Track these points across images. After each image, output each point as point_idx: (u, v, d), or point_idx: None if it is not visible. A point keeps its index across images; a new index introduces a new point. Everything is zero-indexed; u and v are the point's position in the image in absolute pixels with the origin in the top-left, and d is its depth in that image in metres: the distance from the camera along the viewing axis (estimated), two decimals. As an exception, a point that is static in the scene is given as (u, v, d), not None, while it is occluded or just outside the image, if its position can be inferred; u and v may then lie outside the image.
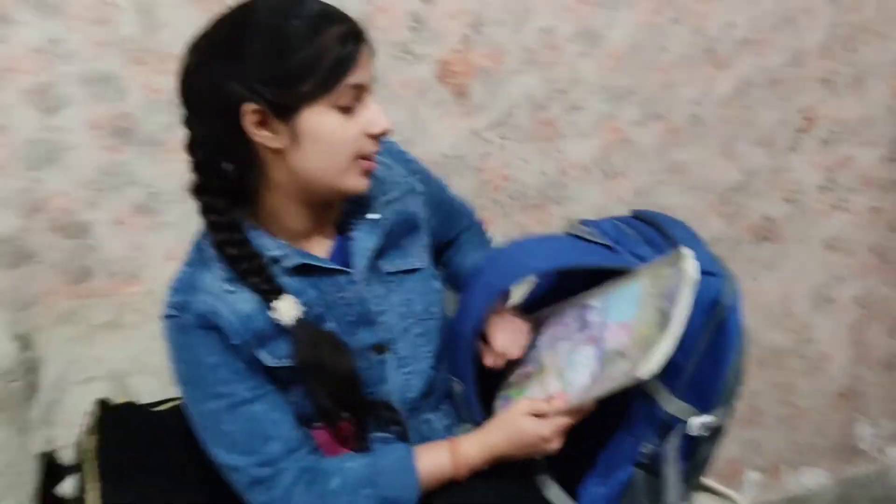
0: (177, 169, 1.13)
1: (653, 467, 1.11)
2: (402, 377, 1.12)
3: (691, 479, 1.19)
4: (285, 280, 1.04)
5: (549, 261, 1.12)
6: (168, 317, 1.04)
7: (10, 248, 1.39)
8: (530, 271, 1.11)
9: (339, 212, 1.11)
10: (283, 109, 0.96)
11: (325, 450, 1.09)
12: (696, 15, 1.72)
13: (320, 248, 1.09)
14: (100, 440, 1.25)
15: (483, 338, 1.16)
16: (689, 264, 1.01)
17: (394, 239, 1.13)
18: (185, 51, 0.98)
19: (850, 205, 2.03)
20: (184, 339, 1.03)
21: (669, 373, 1.09)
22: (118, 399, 1.33)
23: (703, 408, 1.09)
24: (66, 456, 1.32)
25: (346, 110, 0.98)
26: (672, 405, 1.08)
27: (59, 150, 1.37)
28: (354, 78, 0.97)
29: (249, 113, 0.96)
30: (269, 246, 1.04)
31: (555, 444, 1.06)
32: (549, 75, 1.64)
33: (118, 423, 1.28)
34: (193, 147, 1.01)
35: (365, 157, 1.03)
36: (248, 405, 1.03)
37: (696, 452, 1.12)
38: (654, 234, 1.18)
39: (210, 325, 1.01)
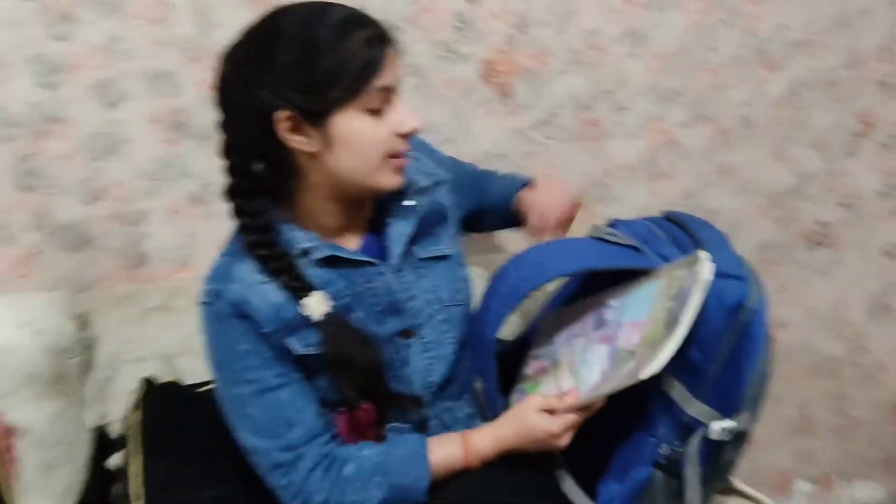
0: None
1: (672, 468, 1.12)
2: (425, 361, 1.16)
3: (712, 483, 1.19)
4: (315, 271, 1.09)
5: (571, 264, 1.14)
6: (203, 304, 1.11)
7: (73, 234, 1.48)
8: (552, 275, 1.13)
9: (372, 206, 1.16)
10: (314, 115, 1.00)
11: (345, 437, 1.13)
12: (746, 16, 1.70)
13: (352, 242, 1.14)
14: (143, 416, 1.33)
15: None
16: (704, 267, 1.01)
17: (426, 226, 1.17)
18: (220, 58, 1.04)
19: (911, 211, 1.98)
20: (217, 325, 1.09)
21: (691, 375, 1.09)
22: (166, 379, 1.41)
23: (726, 412, 1.09)
24: (117, 431, 1.41)
25: (376, 112, 1.03)
26: (693, 408, 1.09)
27: (119, 142, 1.45)
28: (381, 80, 1.01)
29: (282, 120, 1.01)
30: (301, 239, 1.09)
31: (563, 441, 1.08)
32: (594, 76, 1.65)
33: (161, 401, 1.35)
34: (228, 151, 1.07)
35: (396, 156, 1.07)
36: (274, 392, 1.09)
37: (717, 456, 1.12)
38: (681, 235, 1.18)
39: (242, 314, 1.07)
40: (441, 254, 1.18)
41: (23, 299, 1.42)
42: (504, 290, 1.13)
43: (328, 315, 1.07)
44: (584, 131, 1.68)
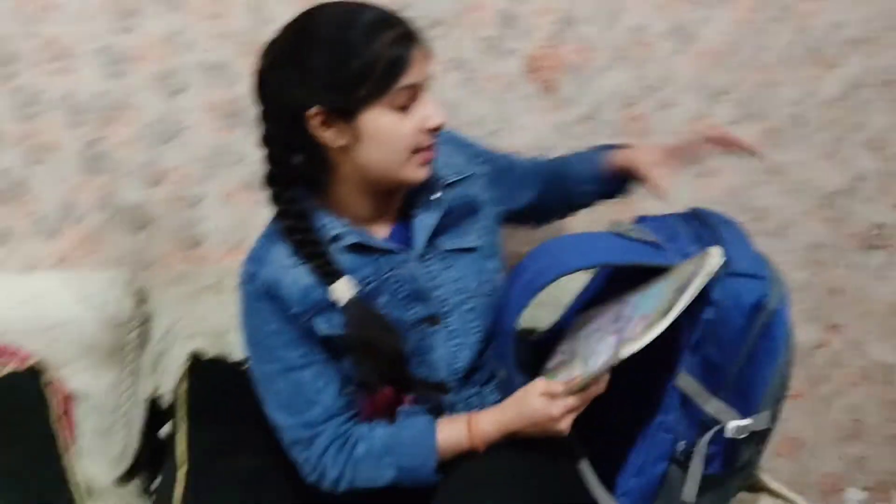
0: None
1: (689, 464, 1.12)
2: (450, 348, 1.20)
3: (732, 482, 1.20)
4: (344, 257, 1.14)
5: (587, 258, 1.15)
6: (240, 284, 1.18)
7: (135, 215, 1.57)
8: (567, 268, 1.14)
9: (401, 198, 1.21)
10: (344, 112, 1.06)
11: (366, 417, 1.19)
12: (799, 14, 1.69)
13: (382, 230, 1.19)
14: (190, 388, 1.41)
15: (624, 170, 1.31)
16: (712, 260, 1.02)
17: (453, 219, 1.21)
18: (260, 54, 1.10)
19: (973, 216, 1.92)
20: (251, 305, 1.17)
21: (710, 374, 1.10)
22: (214, 354, 1.49)
23: (745, 411, 1.10)
24: (169, 401, 1.48)
25: (403, 109, 1.07)
26: (712, 406, 1.10)
27: (178, 129, 1.54)
28: (408, 79, 1.06)
29: (313, 116, 1.07)
30: (332, 225, 1.15)
31: (563, 425, 1.09)
32: (639, 72, 1.66)
33: (208, 375, 1.43)
34: (267, 141, 1.13)
35: (422, 150, 1.11)
36: (297, 371, 1.15)
37: (736, 455, 1.13)
38: (705, 232, 1.19)
39: (273, 295, 1.13)
40: (466, 246, 1.22)
41: (86, 275, 1.53)
42: (522, 281, 1.16)
43: (353, 299, 1.12)
44: (627, 127, 1.69)
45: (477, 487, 1.08)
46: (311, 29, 1.07)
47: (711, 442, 1.11)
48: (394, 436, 1.15)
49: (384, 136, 1.08)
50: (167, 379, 1.49)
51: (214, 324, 1.50)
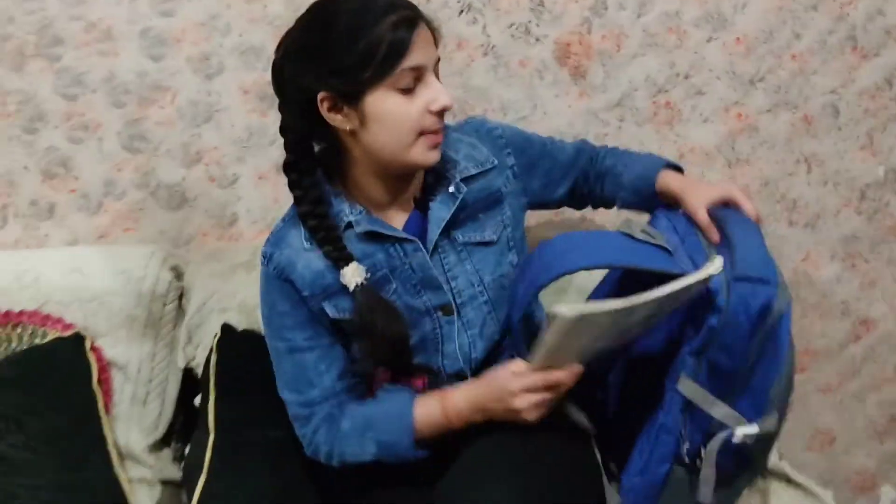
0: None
1: (693, 466, 1.13)
2: (466, 339, 1.22)
3: (739, 483, 1.21)
4: (357, 244, 1.18)
5: (590, 258, 1.14)
6: (261, 264, 1.22)
7: (173, 194, 1.63)
8: (570, 267, 1.13)
9: (419, 186, 1.22)
10: (350, 96, 1.09)
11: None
12: (836, 2, 1.66)
13: (397, 218, 1.22)
14: (219, 359, 1.46)
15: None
16: (708, 270, 1.03)
17: (471, 212, 1.23)
18: (277, 45, 1.14)
19: None
20: (266, 284, 1.22)
21: (716, 378, 1.10)
22: (245, 327, 1.54)
23: (752, 415, 1.10)
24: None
25: (407, 91, 1.09)
26: (718, 410, 1.10)
27: (214, 111, 1.59)
28: (410, 61, 1.07)
29: (323, 101, 1.10)
30: (348, 211, 1.18)
31: (519, 402, 1.08)
32: (671, 59, 1.66)
33: (237, 347, 1.48)
34: (285, 129, 1.17)
35: (429, 132, 1.12)
36: (302, 352, 1.21)
37: (743, 457, 1.13)
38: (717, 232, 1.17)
39: (286, 278, 1.18)
40: (483, 240, 1.23)
41: (126, 250, 1.59)
42: (528, 276, 1.16)
43: (362, 285, 1.15)
44: (658, 114, 1.69)
45: (479, 473, 1.09)
46: (321, 16, 1.10)
47: (721, 449, 1.10)
48: (374, 412, 1.20)
49: (389, 119, 1.10)
50: (201, 351, 1.55)
51: (246, 299, 1.55)
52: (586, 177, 1.35)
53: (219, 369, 1.45)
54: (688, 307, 1.12)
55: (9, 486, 1.28)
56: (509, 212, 1.26)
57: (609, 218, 1.60)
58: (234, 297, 1.56)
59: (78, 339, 1.47)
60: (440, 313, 1.21)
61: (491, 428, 1.15)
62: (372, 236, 1.18)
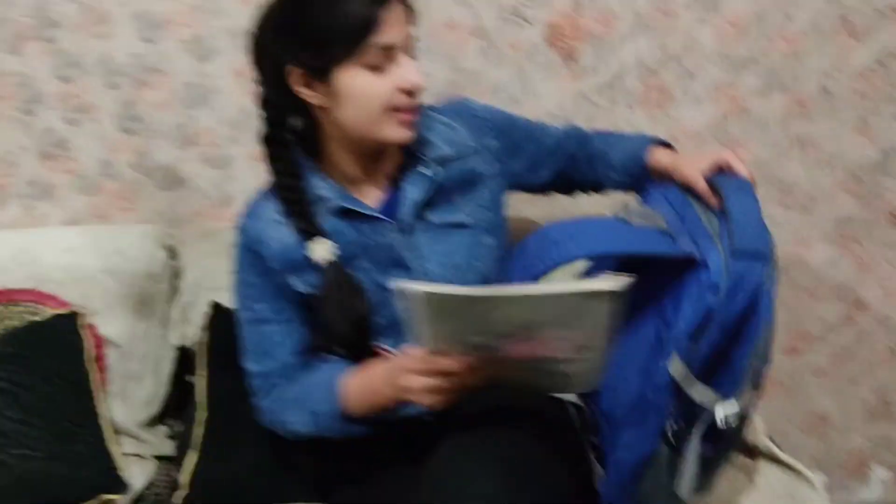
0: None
1: (677, 446, 1.13)
2: None
3: (718, 460, 1.19)
4: (330, 220, 1.19)
5: (590, 247, 1.13)
6: (235, 234, 1.25)
7: (168, 174, 1.66)
8: (566, 256, 1.11)
9: (394, 165, 1.22)
10: (320, 71, 1.10)
11: None
12: (829, -17, 1.67)
13: (372, 196, 1.22)
14: (210, 336, 1.48)
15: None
16: (596, 284, 0.94)
17: (446, 194, 1.23)
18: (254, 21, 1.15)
19: None
20: (237, 254, 1.24)
21: (707, 358, 1.08)
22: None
23: (728, 392, 1.09)
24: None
25: (377, 68, 1.10)
26: (698, 392, 1.09)
27: (208, 93, 1.61)
28: (380, 38, 1.08)
29: (294, 75, 1.11)
30: (321, 187, 1.19)
31: (404, 381, 1.06)
32: (662, 41, 1.66)
33: (227, 324, 1.50)
34: (263, 103, 1.18)
35: (401, 110, 1.13)
36: (263, 324, 1.23)
37: (724, 436, 1.12)
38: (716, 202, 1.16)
39: (256, 249, 1.20)
40: (456, 222, 1.23)
41: (122, 229, 1.62)
42: (522, 264, 1.15)
43: (330, 260, 1.17)
44: (650, 96, 1.70)
45: (463, 464, 1.08)
46: None
47: (704, 431, 1.10)
48: (310, 381, 1.21)
49: (358, 96, 1.11)
50: (195, 329, 1.58)
51: (239, 278, 1.58)
52: (575, 161, 1.35)
53: (210, 347, 1.47)
54: (684, 282, 1.10)
55: (1, 455, 1.32)
56: (488, 194, 1.26)
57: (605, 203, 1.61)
58: (228, 277, 1.57)
59: (72, 316, 1.50)
60: None
61: (476, 418, 1.15)
62: (344, 213, 1.19)
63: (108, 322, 1.56)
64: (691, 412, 1.11)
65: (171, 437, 1.60)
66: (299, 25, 1.09)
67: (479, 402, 1.11)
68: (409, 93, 1.12)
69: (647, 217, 1.16)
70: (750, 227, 1.09)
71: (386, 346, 1.22)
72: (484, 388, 1.06)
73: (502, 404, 1.18)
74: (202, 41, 1.58)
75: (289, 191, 1.18)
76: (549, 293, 0.93)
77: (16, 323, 1.49)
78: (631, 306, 1.13)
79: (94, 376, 1.49)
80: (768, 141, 1.76)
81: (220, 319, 1.49)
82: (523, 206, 1.46)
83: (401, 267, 1.20)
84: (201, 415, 1.41)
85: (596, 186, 1.38)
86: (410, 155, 1.21)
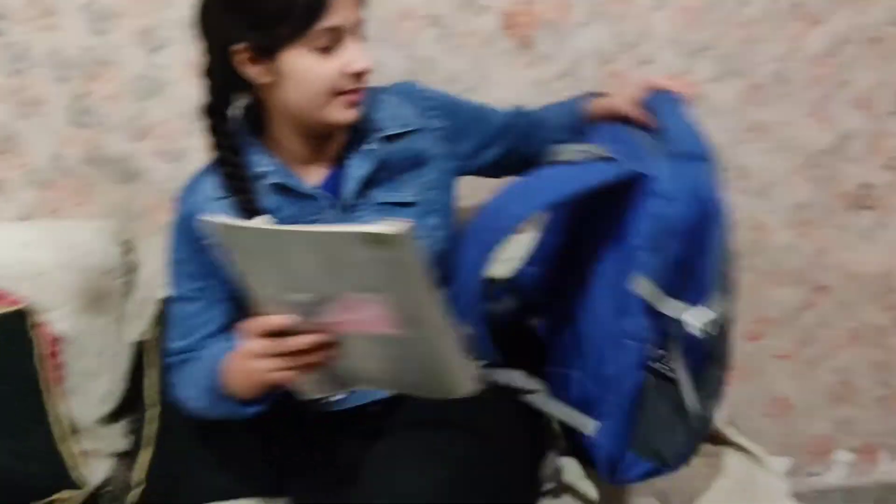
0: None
1: (663, 372, 1.10)
2: None
3: (710, 381, 1.17)
4: (270, 197, 1.17)
5: (534, 202, 1.12)
6: (173, 209, 1.24)
7: (122, 168, 1.63)
8: (520, 219, 1.10)
9: (339, 144, 1.22)
10: (265, 50, 1.09)
11: None
12: (781, -31, 1.68)
13: (315, 174, 1.21)
14: (160, 332, 1.47)
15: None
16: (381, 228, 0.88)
17: (391, 172, 1.22)
18: None
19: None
20: (173, 230, 1.23)
21: (674, 272, 1.07)
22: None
23: (698, 300, 1.08)
24: (152, 345, 1.55)
25: (325, 51, 1.09)
26: (670, 307, 1.07)
27: (161, 85, 1.59)
28: (329, 21, 1.07)
29: (240, 52, 1.10)
30: (262, 163, 1.18)
31: (253, 364, 1.03)
32: (617, 28, 1.67)
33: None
34: (205, 74, 1.17)
35: (347, 92, 1.12)
36: (187, 302, 1.22)
37: (707, 351, 1.11)
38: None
39: (188, 225, 1.17)
40: (402, 200, 1.22)
41: (76, 224, 1.59)
42: (474, 240, 1.14)
43: None
44: (606, 83, 1.70)
45: (396, 461, 1.08)
46: None
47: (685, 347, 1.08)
48: (204, 356, 1.20)
49: (304, 77, 1.10)
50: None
51: (196, 273, 1.56)
52: (521, 136, 1.35)
53: (160, 342, 1.45)
54: (637, 203, 1.09)
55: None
56: (434, 175, 1.26)
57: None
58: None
59: (19, 314, 1.47)
60: None
61: (413, 414, 1.15)
62: (284, 190, 1.18)
63: (63, 318, 1.53)
64: (667, 331, 1.09)
65: (129, 433, 1.59)
66: (249, 5, 1.08)
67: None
68: (357, 76, 1.12)
69: (587, 151, 1.16)
70: (684, 133, 1.11)
71: None
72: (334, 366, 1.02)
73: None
74: (153, 32, 1.56)
75: (229, 165, 1.17)
76: (327, 231, 0.91)
77: (-33, 321, 1.47)
78: (596, 246, 1.15)
79: (44, 374, 1.47)
80: (725, 127, 1.77)
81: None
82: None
83: None
84: (153, 410, 1.40)
85: (543, 156, 1.38)
86: (356, 133, 1.20)
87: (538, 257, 1.34)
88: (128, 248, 1.60)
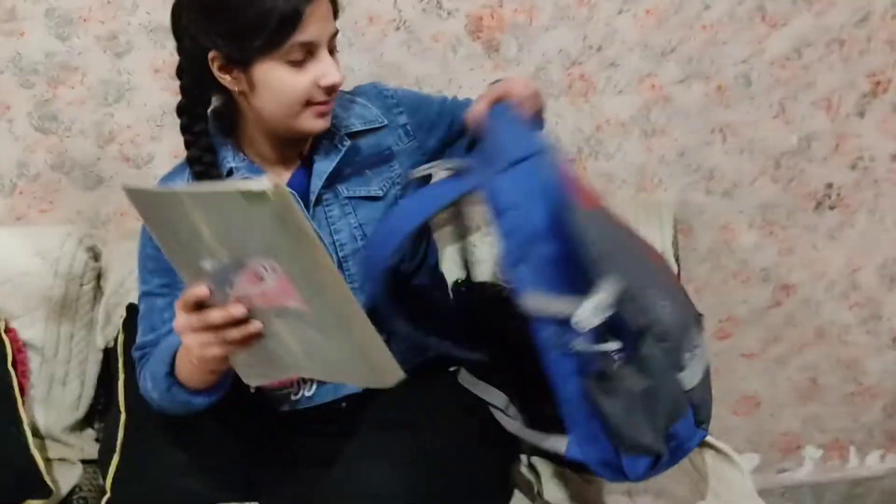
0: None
1: (597, 373, 1.06)
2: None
3: (648, 355, 1.10)
4: None
5: (390, 242, 1.13)
6: None
7: (88, 174, 1.63)
8: (393, 247, 1.12)
9: (308, 146, 1.24)
10: (238, 61, 1.10)
11: None
12: (743, -28, 1.69)
13: (283, 173, 1.24)
14: (126, 339, 1.46)
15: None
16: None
17: (358, 167, 1.25)
18: None
19: (927, 176, 1.92)
20: (143, 226, 1.22)
21: (559, 273, 1.05)
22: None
23: (586, 290, 1.02)
24: (120, 351, 1.55)
25: (298, 64, 1.10)
26: (565, 306, 1.03)
27: (126, 90, 1.59)
28: (303, 36, 1.08)
29: (213, 59, 1.11)
30: (231, 160, 1.20)
31: (185, 340, 1.04)
32: (583, 32, 1.68)
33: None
34: (180, 73, 1.18)
35: (317, 103, 1.14)
36: (153, 297, 1.24)
37: (630, 328, 1.06)
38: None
39: None
40: (367, 195, 1.25)
41: (42, 230, 1.59)
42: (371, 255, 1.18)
43: None
44: (573, 86, 1.71)
45: (365, 462, 1.08)
46: None
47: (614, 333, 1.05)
48: (162, 345, 1.20)
49: (276, 89, 1.11)
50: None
51: (164, 278, 1.56)
52: (453, 123, 1.35)
53: (127, 348, 1.45)
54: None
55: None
56: (400, 170, 1.28)
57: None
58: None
59: (-11, 320, 1.47)
60: None
61: (384, 412, 1.17)
62: None
63: (30, 325, 1.53)
64: (571, 331, 1.04)
65: (98, 440, 1.58)
66: (223, 13, 1.09)
67: (398, 395, 1.09)
68: (328, 89, 1.13)
69: (443, 165, 1.20)
70: (515, 139, 1.10)
71: None
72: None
73: (423, 397, 1.19)
74: (117, 37, 1.55)
75: (202, 164, 1.18)
76: (210, 190, 0.92)
77: (-69, 329, 1.46)
78: None
79: (15, 381, 1.46)
80: (690, 129, 1.79)
81: (136, 322, 1.47)
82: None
83: None
84: (121, 417, 1.39)
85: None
86: (324, 133, 1.22)
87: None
88: (95, 253, 1.60)
